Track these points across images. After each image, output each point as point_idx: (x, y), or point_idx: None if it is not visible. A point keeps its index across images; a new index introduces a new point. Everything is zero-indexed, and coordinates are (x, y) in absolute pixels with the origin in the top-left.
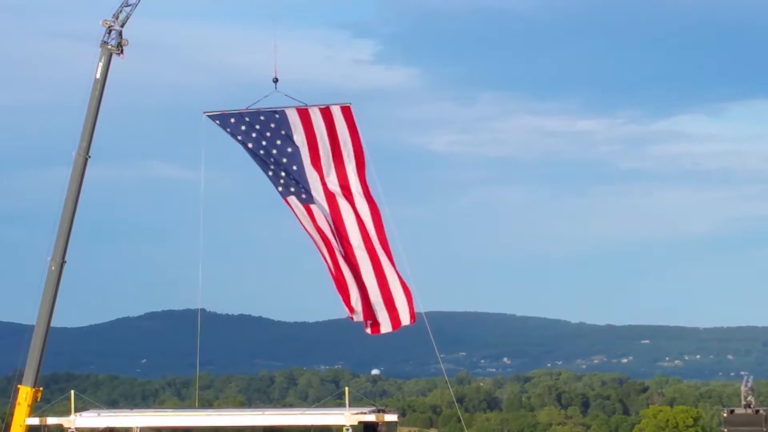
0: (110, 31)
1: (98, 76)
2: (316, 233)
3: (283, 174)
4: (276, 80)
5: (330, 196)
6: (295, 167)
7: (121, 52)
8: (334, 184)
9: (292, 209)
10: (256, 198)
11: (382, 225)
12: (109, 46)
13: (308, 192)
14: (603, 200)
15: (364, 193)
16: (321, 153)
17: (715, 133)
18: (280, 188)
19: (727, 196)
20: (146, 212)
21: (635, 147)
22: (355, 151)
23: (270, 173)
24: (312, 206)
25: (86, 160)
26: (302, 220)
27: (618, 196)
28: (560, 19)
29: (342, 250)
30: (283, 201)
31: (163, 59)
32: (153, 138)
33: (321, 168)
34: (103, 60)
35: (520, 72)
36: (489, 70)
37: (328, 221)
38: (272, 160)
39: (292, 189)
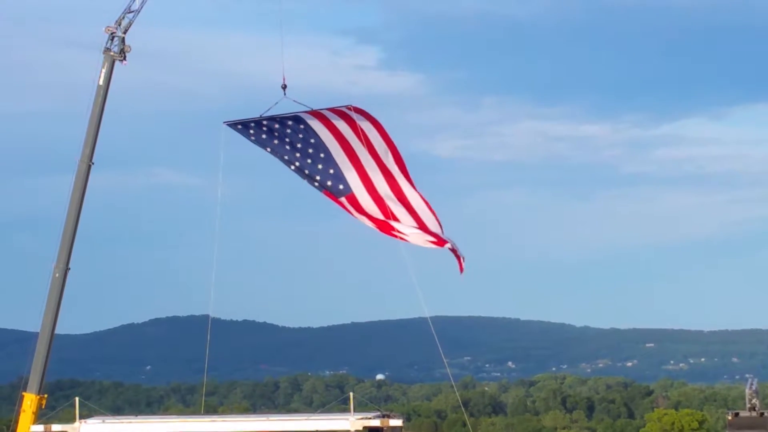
0: (113, 37)
1: (101, 82)
2: (365, 218)
3: (313, 171)
4: (285, 87)
5: (378, 200)
6: (320, 165)
7: (124, 58)
8: (384, 188)
9: (333, 200)
10: (260, 203)
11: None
12: (112, 53)
13: (345, 182)
14: (607, 204)
15: (414, 188)
16: (353, 146)
17: (718, 136)
18: (315, 184)
19: (731, 199)
20: (151, 218)
21: (639, 151)
22: (387, 144)
23: (300, 173)
24: (354, 194)
25: (89, 166)
26: (347, 209)
27: (622, 200)
28: (564, 24)
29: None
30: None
31: (167, 65)
32: (157, 144)
33: (360, 162)
34: (105, 67)
35: (524, 76)
36: (493, 75)
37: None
38: (297, 157)
39: (329, 183)
